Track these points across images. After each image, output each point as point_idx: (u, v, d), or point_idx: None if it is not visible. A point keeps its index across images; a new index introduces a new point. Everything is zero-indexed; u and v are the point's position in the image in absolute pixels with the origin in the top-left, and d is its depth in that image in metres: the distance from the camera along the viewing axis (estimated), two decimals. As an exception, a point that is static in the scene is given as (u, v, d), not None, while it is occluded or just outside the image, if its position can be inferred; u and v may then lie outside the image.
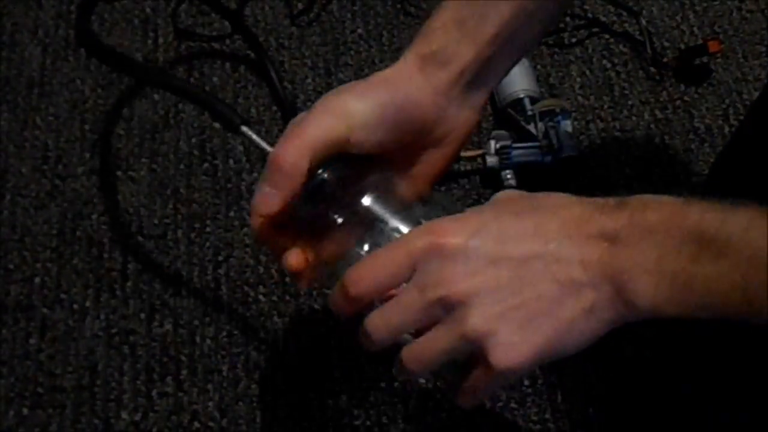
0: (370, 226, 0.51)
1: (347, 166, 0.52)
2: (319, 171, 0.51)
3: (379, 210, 0.52)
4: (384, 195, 0.52)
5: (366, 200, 0.52)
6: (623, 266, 0.44)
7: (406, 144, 0.54)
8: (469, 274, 0.45)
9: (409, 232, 0.49)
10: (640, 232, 0.44)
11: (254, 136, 0.56)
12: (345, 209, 0.52)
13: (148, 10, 1.02)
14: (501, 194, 0.50)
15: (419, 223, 0.50)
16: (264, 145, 0.54)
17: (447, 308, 0.46)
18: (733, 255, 0.42)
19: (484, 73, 0.54)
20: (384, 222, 0.51)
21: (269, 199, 0.50)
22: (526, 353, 0.46)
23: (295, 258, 0.53)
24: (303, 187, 0.50)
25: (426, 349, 0.48)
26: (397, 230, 0.51)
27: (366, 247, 0.51)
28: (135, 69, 0.71)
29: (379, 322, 0.48)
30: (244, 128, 0.56)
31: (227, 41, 1.00)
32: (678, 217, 0.44)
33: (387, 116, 0.52)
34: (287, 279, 0.83)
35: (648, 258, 0.44)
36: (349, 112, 0.51)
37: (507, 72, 0.58)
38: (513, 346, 0.45)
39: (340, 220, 0.52)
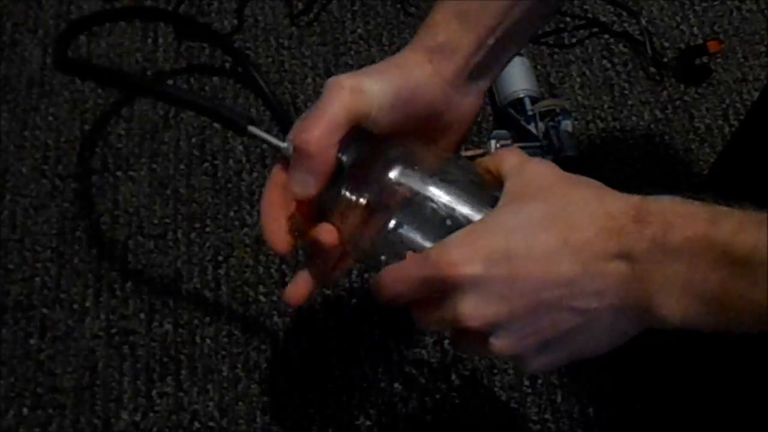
0: (399, 201, 0.50)
1: (365, 147, 0.51)
2: (339, 155, 0.50)
3: (408, 183, 0.50)
4: (409, 168, 0.51)
5: (392, 175, 0.50)
6: (647, 288, 0.43)
7: (415, 131, 0.54)
8: (484, 308, 0.45)
9: (424, 258, 0.47)
10: (664, 254, 0.42)
11: (263, 134, 0.54)
12: (371, 189, 0.51)
13: (148, 10, 1.03)
14: (528, 176, 0.48)
15: (448, 193, 0.50)
16: (274, 141, 0.53)
17: (465, 330, 0.47)
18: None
19: (486, 62, 0.55)
20: (415, 194, 0.50)
21: (306, 184, 0.49)
22: (545, 367, 0.47)
23: (328, 233, 0.51)
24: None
25: (427, 323, 0.49)
26: (430, 199, 0.50)
27: (392, 223, 0.50)
28: (131, 83, 0.70)
29: (391, 294, 0.49)
30: (252, 128, 0.55)
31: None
32: (705, 240, 0.42)
33: (401, 98, 0.51)
34: (287, 279, 0.83)
35: (674, 280, 0.42)
36: (365, 89, 0.50)
37: (510, 60, 0.58)
38: (532, 363, 0.47)
39: (365, 200, 0.51)
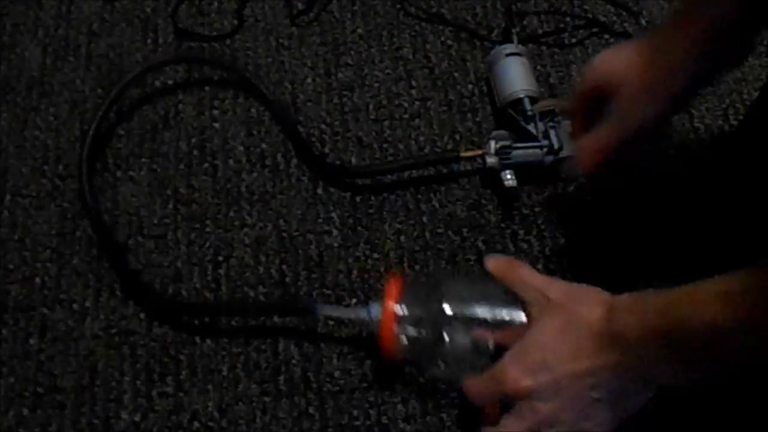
0: (452, 326, 0.70)
1: (417, 292, 0.72)
2: (401, 305, 0.71)
3: (457, 312, 0.70)
4: (454, 299, 0.71)
5: (444, 308, 0.70)
6: (635, 367, 0.61)
7: None
8: (543, 404, 0.64)
9: (492, 378, 0.67)
10: (635, 342, 0.60)
11: (335, 313, 0.76)
12: (427, 323, 0.71)
13: (148, 10, 1.02)
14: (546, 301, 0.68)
15: (488, 313, 0.71)
16: (348, 313, 0.73)
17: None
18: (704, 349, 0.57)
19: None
20: (463, 319, 0.70)
21: None
22: None
23: None
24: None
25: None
26: (476, 320, 0.70)
27: (447, 341, 0.70)
28: (208, 309, 0.82)
29: (478, 403, 0.70)
30: (323, 309, 0.76)
31: (227, 41, 1.00)
32: (652, 330, 0.59)
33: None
34: (287, 279, 0.83)
35: (649, 359, 0.60)
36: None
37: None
38: None
39: (425, 332, 0.71)
